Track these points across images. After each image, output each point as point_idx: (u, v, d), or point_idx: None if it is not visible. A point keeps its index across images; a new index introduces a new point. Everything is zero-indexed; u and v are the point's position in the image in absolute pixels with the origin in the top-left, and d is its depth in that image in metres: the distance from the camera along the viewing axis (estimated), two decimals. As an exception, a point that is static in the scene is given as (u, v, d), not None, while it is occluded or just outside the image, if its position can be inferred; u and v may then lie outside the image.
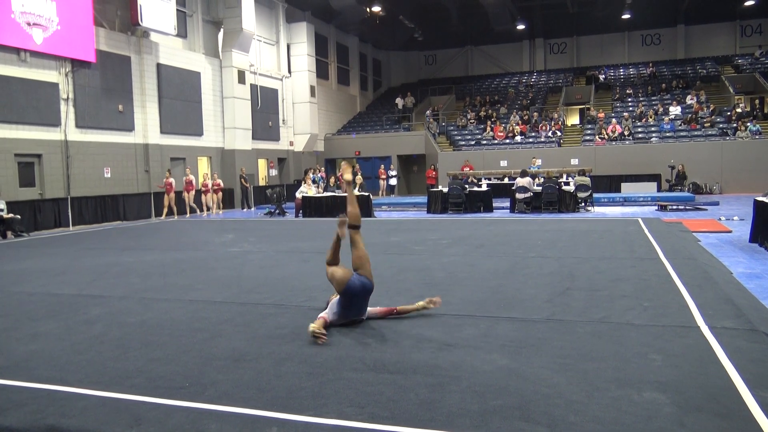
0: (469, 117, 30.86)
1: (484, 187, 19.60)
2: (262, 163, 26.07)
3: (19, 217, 14.58)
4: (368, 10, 28.68)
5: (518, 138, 27.33)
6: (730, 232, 11.45)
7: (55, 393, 3.79)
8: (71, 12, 16.64)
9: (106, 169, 18.16)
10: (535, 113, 29.25)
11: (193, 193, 19.99)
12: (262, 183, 25.74)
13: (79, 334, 5.20)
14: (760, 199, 9.83)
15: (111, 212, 17.82)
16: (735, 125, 24.19)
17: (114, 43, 18.55)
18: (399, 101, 33.06)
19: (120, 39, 18.83)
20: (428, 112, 31.30)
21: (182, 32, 21.68)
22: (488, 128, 28.61)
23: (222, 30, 23.33)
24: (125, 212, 18.35)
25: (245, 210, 22.41)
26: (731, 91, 27.49)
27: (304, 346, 4.61)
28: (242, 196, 22.99)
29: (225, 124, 23.48)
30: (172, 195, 19.12)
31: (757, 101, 26.90)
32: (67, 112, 16.96)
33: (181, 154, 21.36)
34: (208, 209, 20.91)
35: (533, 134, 27.53)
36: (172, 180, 19.08)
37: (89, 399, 3.67)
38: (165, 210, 19.24)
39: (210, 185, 20.76)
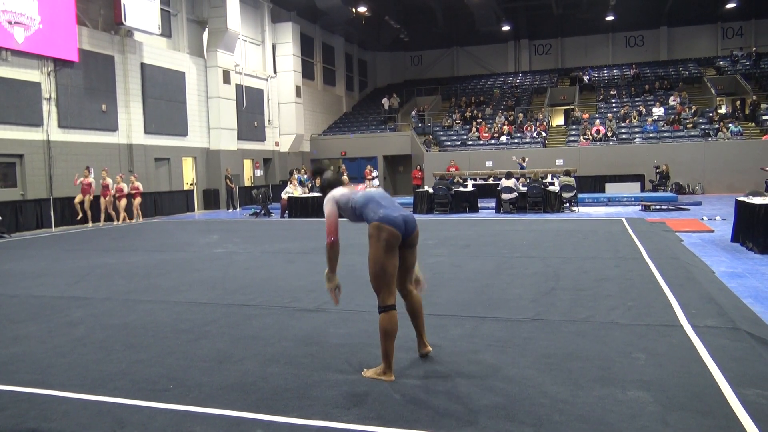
0: (454, 117, 30.95)
1: (470, 188, 19.66)
2: (247, 164, 25.95)
3: (0, 218, 14.39)
4: (354, 10, 28.65)
5: (503, 138, 27.45)
6: (712, 231, 11.58)
7: (36, 396, 3.74)
8: (53, 11, 16.46)
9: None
10: (521, 114, 29.41)
11: (110, 198, 17.18)
12: (247, 183, 25.62)
13: (61, 336, 5.14)
14: (741, 199, 9.95)
15: (94, 213, 17.57)
16: (717, 126, 24.49)
17: (97, 43, 18.37)
18: (385, 102, 33.07)
19: (103, 38, 18.65)
20: (414, 112, 31.35)
21: (166, 32, 21.52)
22: (474, 129, 28.71)
23: (207, 30, 23.19)
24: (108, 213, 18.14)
25: (230, 211, 22.29)
26: (713, 92, 27.83)
27: (290, 347, 4.60)
28: (227, 196, 22.87)
29: (210, 125, 23.35)
30: (89, 198, 16.63)
31: (738, 102, 27.26)
32: (50, 112, 16.76)
33: (166, 154, 21.21)
34: (129, 218, 17.69)
35: (518, 135, 27.66)
36: (91, 180, 16.60)
37: (71, 402, 3.63)
38: (80, 215, 16.71)
39: (126, 189, 17.45)
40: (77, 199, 16.69)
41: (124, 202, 17.42)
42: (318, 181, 4.27)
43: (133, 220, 17.67)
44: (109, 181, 17.08)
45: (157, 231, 14.88)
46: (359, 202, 3.97)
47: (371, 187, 4.16)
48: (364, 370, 3.96)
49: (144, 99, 20.01)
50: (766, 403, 3.32)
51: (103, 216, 17.18)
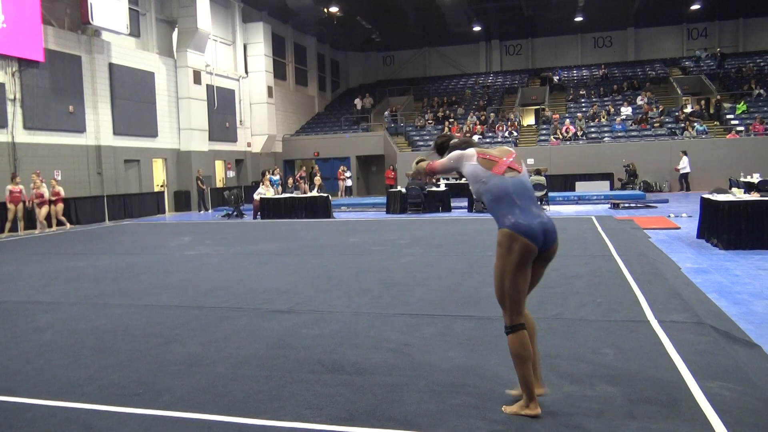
0: (427, 117, 31.08)
1: (443, 188, 19.75)
2: (219, 165, 25.71)
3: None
4: (326, 10, 28.59)
5: (475, 138, 27.62)
6: (678, 228, 11.82)
7: (1, 404, 3.67)
8: (17, 10, 16.10)
9: (56, 172, 17.61)
10: (492, 114, 29.64)
11: (46, 206, 15.76)
12: (219, 185, 25.38)
13: (27, 342, 5.04)
14: (706, 196, 10.17)
15: (62, 216, 17.25)
16: (683, 125, 25.00)
17: (63, 42, 18.03)
18: (357, 102, 33.07)
19: (70, 38, 18.31)
20: (387, 112, 31.39)
21: (135, 31, 21.20)
22: (446, 129, 28.84)
23: (176, 29, 22.91)
24: (77, 216, 17.82)
25: (202, 212, 22.06)
26: (679, 92, 28.40)
27: (262, 349, 4.58)
28: (199, 198, 22.63)
29: (180, 125, 23.07)
30: (21, 207, 15.33)
31: (703, 102, 27.86)
32: (14, 113, 16.39)
33: (135, 155, 20.91)
34: (55, 224, 16.13)
35: (490, 134, 27.88)
36: (21, 188, 15.31)
37: (38, 409, 3.56)
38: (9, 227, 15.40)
39: (47, 194, 15.69)
40: (10, 213, 15.21)
41: (45, 209, 15.68)
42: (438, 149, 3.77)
43: (54, 229, 16.03)
44: (44, 190, 15.63)
45: (126, 234, 14.67)
46: (490, 192, 3.30)
47: (509, 172, 3.32)
48: (504, 406, 3.33)
49: (112, 100, 19.69)
50: (729, 394, 3.41)
51: (54, 221, 16.06)
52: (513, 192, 3.25)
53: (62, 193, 16.18)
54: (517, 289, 3.21)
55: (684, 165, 22.29)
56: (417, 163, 3.77)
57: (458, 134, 27.92)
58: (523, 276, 3.20)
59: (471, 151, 3.41)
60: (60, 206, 16.13)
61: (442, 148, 3.73)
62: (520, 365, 3.22)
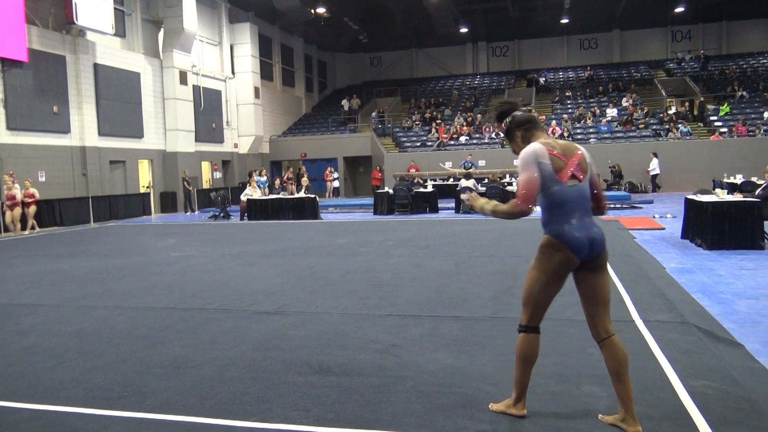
0: (414, 119, 31.12)
1: (430, 188, 19.79)
2: (205, 166, 25.57)
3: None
4: (313, 11, 28.54)
5: (462, 139, 27.73)
6: (663, 229, 11.93)
7: (-16, 408, 3.63)
8: (1, 9, 15.91)
9: (40, 173, 17.45)
10: (479, 115, 29.73)
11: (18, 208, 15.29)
12: (206, 186, 25.23)
13: (10, 345, 4.98)
14: (690, 197, 10.28)
15: (47, 217, 17.08)
16: (667, 127, 25.24)
17: (48, 42, 17.85)
18: (345, 103, 33.05)
19: (54, 38, 18.14)
20: (374, 113, 31.40)
21: (120, 31, 21.06)
22: (433, 130, 28.91)
23: (162, 30, 22.77)
24: (62, 217, 17.67)
25: (188, 214, 21.94)
26: (663, 94, 28.67)
27: (249, 351, 4.56)
28: (185, 199, 22.49)
29: (167, 126, 22.92)
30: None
31: (687, 104, 28.14)
32: (-3, 114, 16.24)
33: (121, 156, 20.75)
34: (29, 227, 15.64)
35: (477, 136, 27.98)
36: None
37: (21, 413, 3.53)
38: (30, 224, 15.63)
39: (19, 196, 15.21)
40: None
41: (17, 211, 15.18)
42: (500, 122, 3.32)
43: (27, 232, 15.50)
44: (16, 191, 15.18)
45: (112, 235, 14.55)
46: (547, 197, 3.12)
47: (571, 180, 3.06)
48: (491, 404, 3.35)
49: (97, 100, 19.53)
50: (713, 393, 3.45)
51: (29, 224, 15.67)
52: (570, 202, 3.06)
53: (37, 195, 15.80)
54: (546, 296, 3.17)
55: (654, 167, 22.65)
56: (483, 204, 3.34)
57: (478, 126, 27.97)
58: (556, 285, 3.15)
59: (540, 147, 3.05)
60: (32, 208, 15.65)
61: (502, 116, 3.32)
62: (521, 366, 3.20)
